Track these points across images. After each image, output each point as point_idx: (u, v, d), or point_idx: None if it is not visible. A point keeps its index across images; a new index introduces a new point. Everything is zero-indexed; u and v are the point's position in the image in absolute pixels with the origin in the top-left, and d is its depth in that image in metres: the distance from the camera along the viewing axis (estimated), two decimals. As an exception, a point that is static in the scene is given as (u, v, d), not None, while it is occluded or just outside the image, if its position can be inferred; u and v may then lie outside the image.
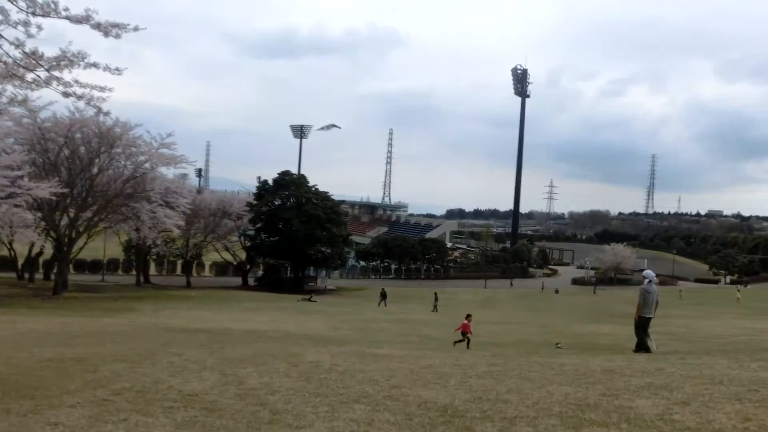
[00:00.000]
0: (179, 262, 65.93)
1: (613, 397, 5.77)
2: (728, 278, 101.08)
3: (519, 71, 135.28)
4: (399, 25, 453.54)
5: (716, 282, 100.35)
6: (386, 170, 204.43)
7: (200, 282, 60.82)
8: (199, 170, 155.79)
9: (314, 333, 19.27)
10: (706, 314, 42.93)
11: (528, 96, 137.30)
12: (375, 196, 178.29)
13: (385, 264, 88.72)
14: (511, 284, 79.76)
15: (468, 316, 18.96)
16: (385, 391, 6.44)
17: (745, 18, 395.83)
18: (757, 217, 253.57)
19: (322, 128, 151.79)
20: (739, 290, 68.87)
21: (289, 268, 65.53)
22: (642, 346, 12.80)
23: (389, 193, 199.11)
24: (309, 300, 44.85)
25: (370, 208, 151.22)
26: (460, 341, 17.61)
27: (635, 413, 5.07)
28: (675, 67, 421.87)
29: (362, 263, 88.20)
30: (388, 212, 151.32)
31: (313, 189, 63.01)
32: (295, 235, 57.88)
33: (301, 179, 64.38)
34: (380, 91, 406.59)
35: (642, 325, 12.95)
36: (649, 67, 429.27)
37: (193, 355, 9.41)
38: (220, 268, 70.79)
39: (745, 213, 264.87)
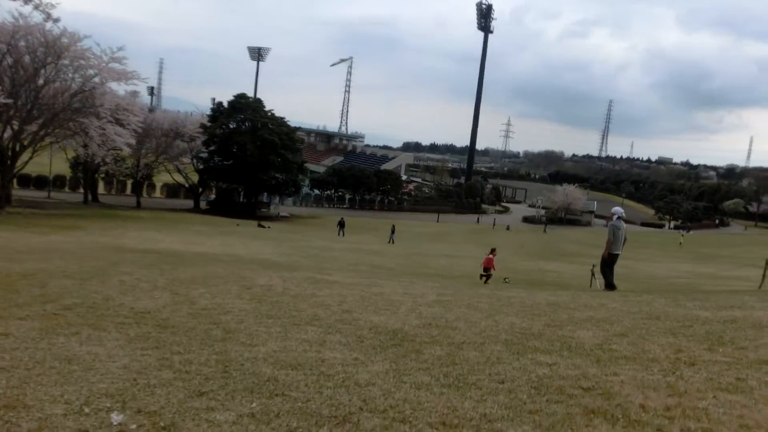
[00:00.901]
0: (129, 182, 64.71)
1: (556, 328, 6.02)
2: (672, 223, 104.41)
3: (484, 6, 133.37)
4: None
5: (661, 226, 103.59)
6: (344, 99, 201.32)
7: (151, 203, 59.96)
8: (152, 88, 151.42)
9: (266, 258, 19.37)
10: (650, 257, 44.49)
11: (491, 32, 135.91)
12: (332, 125, 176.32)
13: (340, 193, 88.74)
14: (478, 221, 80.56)
15: (492, 251, 18.86)
16: (336, 315, 6.57)
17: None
18: (705, 166, 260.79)
19: (335, 63, 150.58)
20: (682, 235, 71.30)
21: (242, 193, 65.01)
22: (610, 282, 12.77)
23: (346, 123, 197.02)
24: (260, 226, 44.81)
25: (326, 136, 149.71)
26: (484, 275, 17.68)
27: (576, 342, 5.32)
28: (638, 13, 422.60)
29: (316, 192, 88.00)
30: (345, 141, 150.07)
31: (270, 114, 61.99)
32: (249, 160, 57.22)
33: (258, 103, 63.20)
34: (342, 16, 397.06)
35: (610, 262, 12.90)
36: (614, 11, 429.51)
37: (144, 274, 9.39)
38: (172, 190, 69.78)
39: (694, 161, 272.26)
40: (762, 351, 4.92)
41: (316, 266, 16.75)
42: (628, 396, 3.80)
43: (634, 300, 8.83)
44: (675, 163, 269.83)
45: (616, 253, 12.93)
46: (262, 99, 65.69)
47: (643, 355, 4.84)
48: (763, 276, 18.46)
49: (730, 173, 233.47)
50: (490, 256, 18.44)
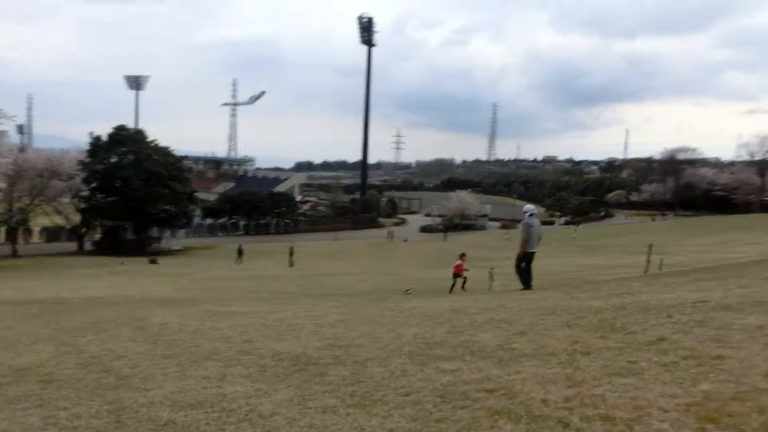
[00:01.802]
0: (2, 229, 60.79)
1: (458, 334, 6.14)
2: (563, 219, 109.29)
3: (364, 20, 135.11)
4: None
5: (552, 223, 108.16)
6: (231, 123, 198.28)
7: (29, 250, 56.50)
8: (21, 126, 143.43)
9: (160, 296, 18.70)
10: (544, 254, 46.19)
11: (374, 45, 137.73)
12: (221, 151, 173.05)
13: (234, 220, 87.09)
14: (392, 237, 79.59)
15: (462, 255, 18.42)
16: (237, 346, 6.42)
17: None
18: (587, 161, 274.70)
19: (250, 99, 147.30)
20: (575, 230, 74.60)
21: (130, 230, 62.51)
22: (528, 283, 12.65)
23: (235, 147, 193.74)
24: (152, 262, 43.28)
25: (215, 163, 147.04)
26: (453, 285, 17.11)
27: (478, 346, 5.44)
28: (514, 17, 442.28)
29: (209, 221, 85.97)
30: (235, 167, 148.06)
31: (153, 144, 60.08)
32: (134, 195, 55.16)
33: (139, 134, 61.15)
34: (222, 38, 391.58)
35: (527, 260, 12.78)
36: (490, 17, 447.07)
37: (25, 327, 8.84)
38: (52, 234, 65.92)
39: (577, 158, 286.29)
40: (650, 333, 5.20)
41: (215, 298, 16.33)
42: (530, 392, 3.91)
43: (531, 298, 9.15)
44: (560, 161, 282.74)
45: (533, 251, 12.85)
46: (144, 129, 63.62)
47: (542, 350, 5.01)
48: (648, 261, 19.66)
49: (611, 166, 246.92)
50: (459, 261, 18.20)
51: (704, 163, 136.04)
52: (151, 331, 7.84)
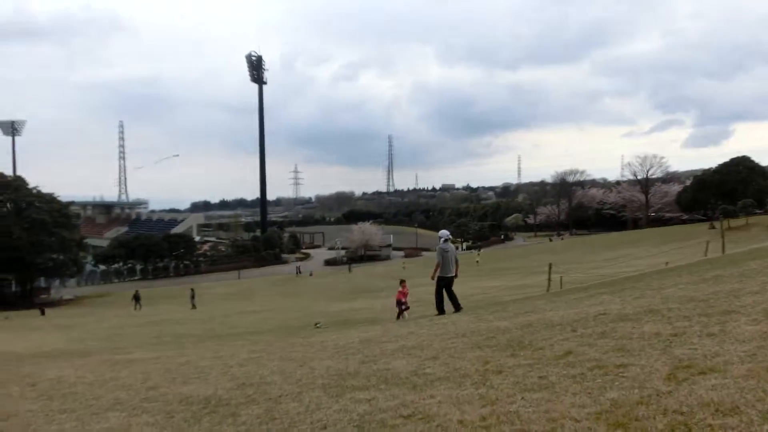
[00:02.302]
0: None
1: (371, 363, 6.14)
2: (464, 245, 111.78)
3: (254, 57, 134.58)
4: (118, 8, 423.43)
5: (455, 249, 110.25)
6: (120, 166, 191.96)
7: None
8: None
9: (53, 349, 17.67)
10: (448, 279, 46.94)
11: (265, 83, 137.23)
12: (111, 195, 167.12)
13: (129, 265, 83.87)
14: (299, 272, 74.69)
15: (402, 282, 17.78)
16: (141, 394, 6.16)
17: (458, 2, 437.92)
18: (484, 188, 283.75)
19: (163, 160, 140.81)
20: (478, 254, 76.26)
21: (13, 282, 58.99)
22: (441, 309, 12.61)
23: (126, 191, 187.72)
24: (43, 314, 40.96)
25: (105, 207, 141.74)
26: (400, 312, 16.45)
27: (392, 373, 5.46)
28: (400, 51, 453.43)
29: (102, 267, 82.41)
30: (127, 210, 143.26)
31: (35, 191, 57.27)
32: (16, 244, 52.19)
33: (19, 181, 58.18)
34: (103, 80, 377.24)
35: (445, 285, 12.71)
36: (377, 53, 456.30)
37: None
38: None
39: (474, 184, 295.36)
40: (557, 347, 5.38)
41: (113, 347, 15.60)
42: (446, 415, 3.95)
43: (440, 323, 9.29)
44: (458, 189, 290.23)
45: (449, 275, 12.79)
46: (24, 176, 60.62)
47: (455, 372, 5.08)
48: (549, 280, 20.39)
49: (506, 191, 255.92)
50: (400, 288, 17.83)
51: (593, 184, 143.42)
52: (43, 387, 7.40)
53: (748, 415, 3.04)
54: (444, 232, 13.37)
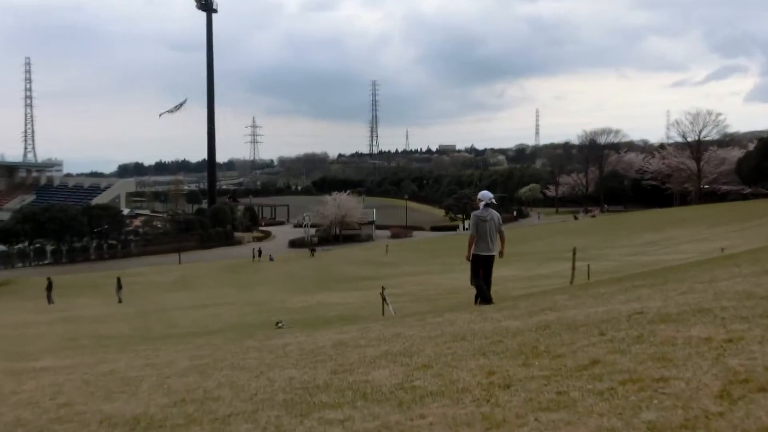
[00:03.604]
0: None
1: (346, 373, 6.15)
2: (467, 223, 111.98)
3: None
4: None
5: (454, 228, 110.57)
6: (26, 116, 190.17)
7: None
8: None
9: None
10: (445, 268, 47.25)
11: (215, 10, 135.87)
12: (13, 154, 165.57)
13: (38, 245, 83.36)
14: (257, 255, 72.66)
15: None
16: (51, 412, 6.14)
17: None
18: (492, 150, 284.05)
19: (171, 111, 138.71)
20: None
21: None
22: (485, 296, 12.09)
23: (34, 148, 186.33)
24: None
25: (6, 169, 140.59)
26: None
27: (372, 386, 5.46)
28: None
29: (2, 247, 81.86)
30: (35, 173, 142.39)
31: None
32: None
33: None
34: (5, 3, 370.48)
35: (483, 267, 12.25)
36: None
37: None
38: None
39: (479, 146, 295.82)
40: (580, 355, 5.41)
41: (14, 351, 15.56)
42: (440, 440, 3.97)
43: (434, 322, 9.31)
44: (459, 151, 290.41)
45: (486, 254, 12.25)
46: None
47: (452, 386, 5.10)
48: (573, 269, 20.51)
49: (521, 155, 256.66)
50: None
51: (631, 147, 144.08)
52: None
53: (818, 444, 3.08)
54: (486, 194, 12.55)
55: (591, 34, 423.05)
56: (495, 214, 12.34)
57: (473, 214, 12.40)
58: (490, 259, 12.30)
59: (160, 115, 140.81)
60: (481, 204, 12.26)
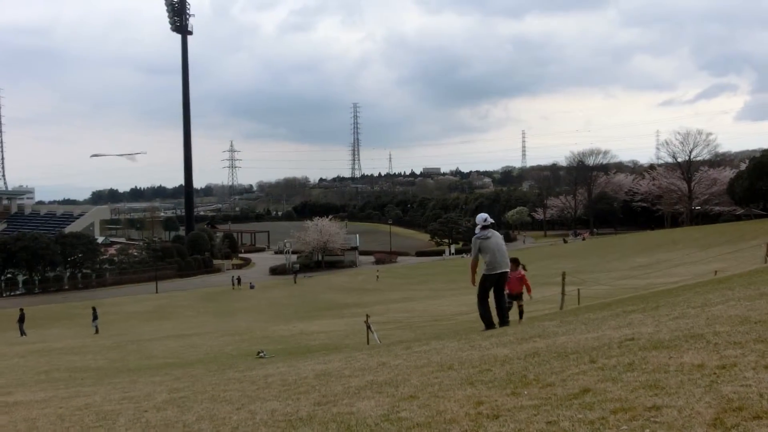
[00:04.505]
0: None
1: (330, 405, 6.14)
2: (453, 247, 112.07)
3: (175, 0, 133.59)
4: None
5: (440, 254, 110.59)
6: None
7: None
8: None
9: None
10: (432, 294, 47.28)
11: (190, 32, 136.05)
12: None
13: (9, 275, 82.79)
14: (237, 283, 74.12)
15: (517, 264, 15.48)
16: (24, 450, 6.11)
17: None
18: (478, 173, 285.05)
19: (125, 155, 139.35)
20: (472, 260, 76.62)
21: None
22: (491, 326, 11.96)
23: (3, 175, 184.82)
24: None
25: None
26: (521, 310, 14.81)
27: (356, 419, 5.46)
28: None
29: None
30: (5, 201, 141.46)
31: None
32: None
33: None
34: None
35: (490, 286, 12.09)
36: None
37: None
38: None
39: (465, 168, 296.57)
40: (570, 383, 5.43)
41: (-13, 385, 15.43)
42: (427, 473, 3.97)
43: (420, 350, 9.32)
44: (444, 174, 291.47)
45: (501, 271, 12.11)
46: None
47: (439, 417, 5.11)
48: (562, 294, 20.57)
49: (508, 177, 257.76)
50: (520, 272, 15.40)
51: (620, 168, 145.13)
52: None
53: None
54: (481, 216, 12.55)
55: (577, 53, 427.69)
56: (496, 233, 12.28)
57: (474, 237, 12.27)
58: (503, 278, 12.19)
59: (92, 156, 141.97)
60: (477, 228, 12.26)
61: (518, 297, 15.04)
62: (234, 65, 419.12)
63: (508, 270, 12.37)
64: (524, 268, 15.71)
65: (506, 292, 13.63)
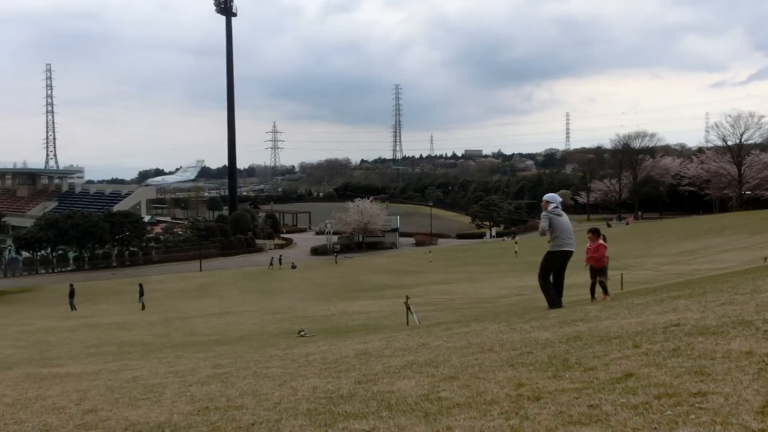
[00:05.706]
0: None
1: (370, 383, 6.14)
2: (494, 230, 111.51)
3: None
4: None
5: (481, 236, 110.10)
6: (47, 122, 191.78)
7: None
8: None
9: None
10: (472, 276, 47.11)
11: (234, 14, 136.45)
12: (35, 160, 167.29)
13: (60, 252, 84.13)
14: (278, 263, 76.66)
15: (594, 233, 14.21)
16: (76, 418, 6.19)
17: None
18: (521, 155, 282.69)
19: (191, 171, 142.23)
20: (516, 243, 75.96)
21: None
22: (554, 302, 11.78)
23: (55, 155, 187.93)
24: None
25: (29, 176, 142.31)
26: (594, 285, 13.76)
27: (397, 397, 5.46)
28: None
29: (25, 254, 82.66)
30: (57, 180, 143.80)
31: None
32: None
33: None
34: (27, 11, 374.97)
35: (554, 267, 12.06)
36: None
37: None
38: None
39: (507, 150, 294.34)
40: (613, 368, 5.38)
41: (40, 358, 15.76)
42: (468, 453, 3.96)
43: (460, 332, 9.29)
44: (486, 156, 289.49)
45: (567, 250, 11.90)
46: None
47: (479, 398, 5.09)
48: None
49: (551, 160, 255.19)
50: (598, 241, 13.97)
51: (667, 151, 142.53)
52: (-50, 409, 7.46)
53: None
54: (554, 196, 12.18)
55: (623, 34, 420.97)
56: (565, 214, 12.09)
57: (544, 213, 11.93)
58: (568, 257, 12.01)
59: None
60: (551, 206, 11.88)
61: (602, 272, 13.99)
62: (277, 47, 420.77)
63: (573, 250, 11.96)
64: (605, 239, 14.52)
65: (587, 266, 13.75)
